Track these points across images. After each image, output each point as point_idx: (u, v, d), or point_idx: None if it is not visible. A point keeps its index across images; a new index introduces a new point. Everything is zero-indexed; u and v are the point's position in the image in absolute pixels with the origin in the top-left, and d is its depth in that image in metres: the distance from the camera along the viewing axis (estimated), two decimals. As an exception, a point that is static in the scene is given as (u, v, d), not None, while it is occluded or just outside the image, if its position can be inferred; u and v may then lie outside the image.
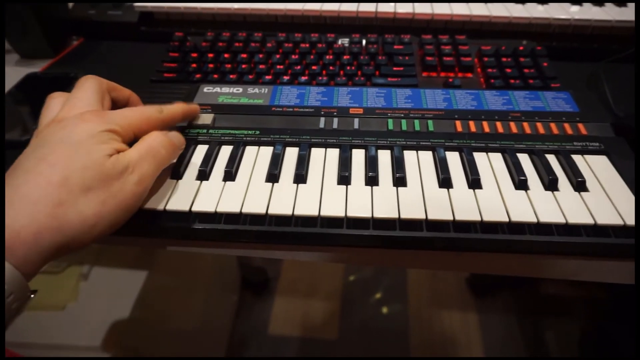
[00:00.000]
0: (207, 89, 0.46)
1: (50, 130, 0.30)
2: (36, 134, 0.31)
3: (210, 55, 0.52)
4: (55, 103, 0.33)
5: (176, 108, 0.37)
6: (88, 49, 0.60)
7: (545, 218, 0.32)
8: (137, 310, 0.69)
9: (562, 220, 0.32)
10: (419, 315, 1.26)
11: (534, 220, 0.32)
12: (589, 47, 0.54)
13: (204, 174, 0.36)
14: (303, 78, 0.49)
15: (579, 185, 0.34)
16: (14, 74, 0.52)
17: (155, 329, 0.77)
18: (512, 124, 0.40)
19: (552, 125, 0.40)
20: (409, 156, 0.38)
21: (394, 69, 0.50)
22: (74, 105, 0.32)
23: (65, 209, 0.26)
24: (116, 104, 0.37)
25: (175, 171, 0.36)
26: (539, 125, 0.40)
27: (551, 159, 0.37)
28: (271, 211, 0.33)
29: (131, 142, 0.33)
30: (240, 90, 0.45)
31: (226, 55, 0.52)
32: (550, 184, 0.34)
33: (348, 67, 0.50)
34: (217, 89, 0.46)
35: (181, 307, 0.91)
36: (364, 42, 0.54)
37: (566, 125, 0.40)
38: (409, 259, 0.38)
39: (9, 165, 0.29)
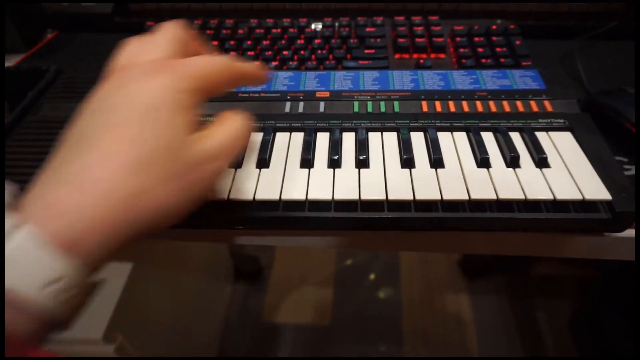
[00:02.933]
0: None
1: (117, 83, 0.25)
2: (104, 79, 0.26)
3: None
4: (131, 45, 0.29)
5: (255, 69, 0.31)
6: (62, 42, 0.59)
7: (504, 194, 0.32)
8: (126, 304, 0.69)
9: (522, 197, 0.32)
10: (411, 299, 1.27)
11: (494, 197, 0.32)
12: (565, 24, 0.54)
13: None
14: (273, 63, 0.49)
15: (541, 161, 0.34)
16: (-15, 69, 0.52)
17: (145, 322, 0.77)
18: (478, 103, 0.40)
19: (518, 103, 0.40)
20: (373, 138, 0.38)
21: (366, 51, 0.50)
22: (150, 50, 0.27)
23: (143, 199, 0.22)
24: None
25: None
26: (504, 103, 0.40)
27: (515, 136, 0.37)
28: (232, 196, 0.33)
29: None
30: (208, 77, 0.45)
31: (197, 43, 0.52)
32: (512, 161, 0.34)
33: (319, 51, 0.50)
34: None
35: (172, 299, 0.91)
36: (336, 25, 0.54)
37: (532, 103, 0.40)
38: (380, 242, 0.38)
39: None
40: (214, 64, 0.27)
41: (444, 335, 1.19)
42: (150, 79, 0.24)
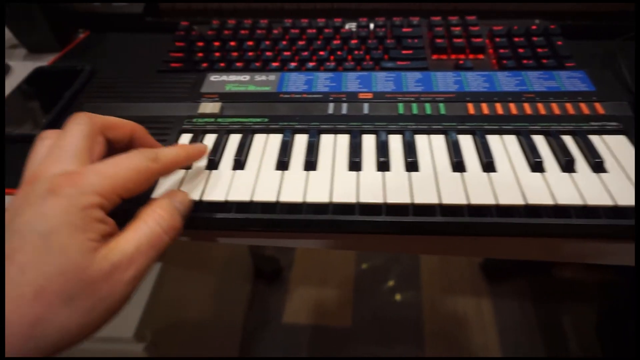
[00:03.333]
0: (214, 77, 0.45)
1: (21, 203, 0.24)
2: (19, 190, 0.26)
3: (216, 43, 0.52)
4: (43, 146, 0.28)
5: (175, 153, 0.30)
6: (94, 42, 0.59)
7: (562, 200, 0.31)
8: (151, 302, 0.70)
9: (581, 202, 0.31)
10: (432, 302, 1.26)
11: (551, 202, 0.31)
12: (603, 24, 0.52)
13: (213, 163, 0.36)
14: (310, 64, 0.48)
15: (597, 166, 0.33)
16: (23, 68, 0.53)
17: (169, 321, 0.77)
18: (526, 105, 0.39)
19: (568, 105, 0.39)
20: (421, 140, 0.37)
21: (403, 52, 0.49)
22: (56, 157, 0.26)
23: (43, 327, 0.22)
24: (115, 144, 0.30)
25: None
26: (554, 105, 0.39)
27: (567, 140, 0.36)
28: (282, 199, 0.32)
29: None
30: (248, 77, 0.45)
31: (232, 44, 0.52)
32: (567, 166, 0.33)
33: (356, 52, 0.50)
34: (224, 77, 0.45)
35: (194, 299, 0.91)
36: (371, 26, 0.53)
37: (582, 105, 0.39)
38: (422, 245, 0.37)
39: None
40: (118, 172, 0.26)
41: (465, 338, 1.18)
42: (48, 201, 0.24)
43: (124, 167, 0.26)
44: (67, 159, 0.26)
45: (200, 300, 0.94)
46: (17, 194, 0.25)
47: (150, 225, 0.26)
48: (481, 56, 0.50)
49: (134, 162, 0.27)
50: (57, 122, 0.43)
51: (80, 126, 0.28)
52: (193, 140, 0.38)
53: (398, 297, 1.28)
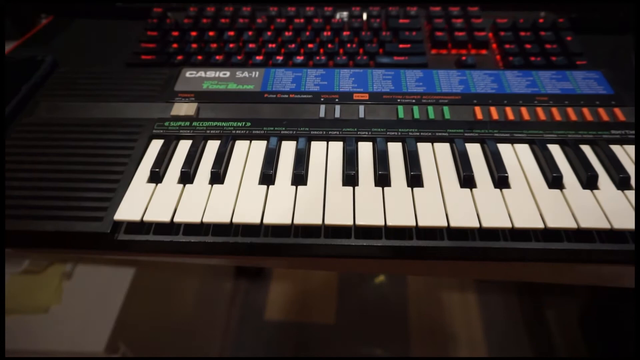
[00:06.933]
0: (189, 73, 0.40)
1: None
2: None
3: (193, 33, 0.46)
4: None
5: None
6: (58, 28, 0.53)
7: (586, 223, 0.27)
8: (127, 308, 0.65)
9: (607, 226, 0.27)
10: (417, 296, 1.23)
11: (574, 226, 0.27)
12: (613, 17, 0.49)
13: (187, 177, 0.31)
14: (298, 58, 0.44)
15: (623, 182, 0.30)
16: (-29, 59, 0.46)
17: (148, 324, 0.73)
18: (539, 110, 0.35)
19: (585, 110, 0.35)
20: (424, 149, 0.33)
21: (400, 46, 0.45)
22: None
23: None
24: None
25: (154, 174, 0.31)
26: (569, 110, 0.35)
27: (587, 150, 0.32)
28: (267, 220, 0.28)
29: None
30: (228, 74, 0.40)
31: (211, 34, 0.46)
32: (589, 182, 0.30)
33: (348, 45, 0.45)
34: (202, 74, 0.40)
35: (174, 300, 0.87)
36: (364, 15, 0.49)
37: (601, 111, 0.35)
38: (425, 268, 0.33)
39: None
40: None
41: (451, 333, 1.16)
42: None
43: None
44: None
45: (180, 301, 0.90)
46: None
47: None
48: (484, 51, 0.46)
49: None
50: (11, 123, 0.37)
51: None
52: (164, 148, 0.33)
53: (382, 292, 1.25)
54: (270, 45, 0.45)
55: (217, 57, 0.44)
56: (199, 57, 0.44)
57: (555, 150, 0.32)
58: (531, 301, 1.21)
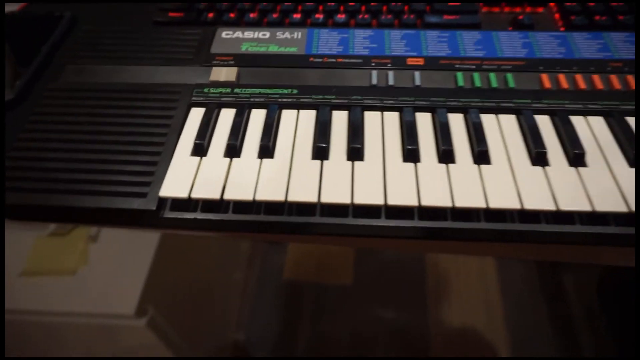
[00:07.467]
0: (226, 33, 0.37)
1: None
2: None
3: (224, -13, 0.43)
4: None
5: None
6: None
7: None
8: (151, 275, 0.65)
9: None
10: (435, 260, 1.24)
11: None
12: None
13: (234, 150, 0.29)
14: (339, 17, 0.40)
15: None
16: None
17: (170, 290, 0.73)
18: (614, 78, 0.32)
19: (665, 78, 0.32)
20: (488, 122, 0.30)
21: (450, 3, 0.41)
22: None
23: None
24: None
25: (198, 146, 0.29)
26: (647, 78, 0.32)
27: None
28: (324, 199, 0.26)
29: None
30: (268, 35, 0.37)
31: (243, -12, 0.42)
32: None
33: (393, 3, 0.41)
34: (239, 34, 0.37)
35: (195, 264, 0.87)
36: (409, -32, 0.44)
37: (681, 79, 0.32)
38: (473, 249, 0.32)
39: None
40: None
41: (467, 295, 1.17)
42: None
43: None
44: None
45: (201, 265, 0.90)
46: None
47: None
48: (541, 9, 0.42)
49: None
50: (32, 88, 0.35)
51: None
52: (207, 118, 0.31)
53: (400, 255, 1.25)
54: (307, 3, 0.41)
55: (251, 15, 0.40)
56: (232, 15, 0.40)
57: (633, 123, 0.30)
58: (549, 266, 1.20)
